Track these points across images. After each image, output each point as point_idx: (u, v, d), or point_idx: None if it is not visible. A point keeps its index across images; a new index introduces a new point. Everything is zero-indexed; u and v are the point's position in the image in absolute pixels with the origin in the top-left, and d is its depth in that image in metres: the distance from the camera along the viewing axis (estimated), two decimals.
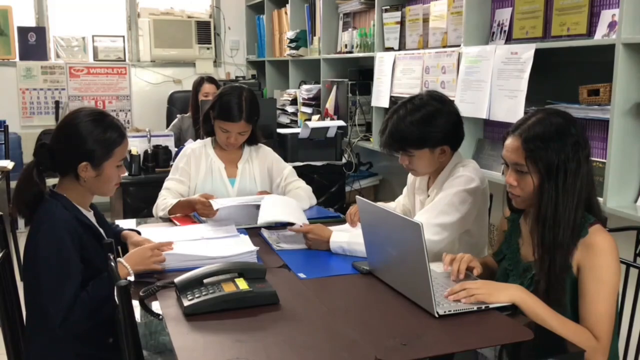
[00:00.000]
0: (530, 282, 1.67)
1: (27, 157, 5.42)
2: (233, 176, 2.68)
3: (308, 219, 2.33)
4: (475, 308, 1.55)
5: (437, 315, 1.51)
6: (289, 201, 2.39)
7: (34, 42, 5.54)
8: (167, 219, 2.47)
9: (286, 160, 3.76)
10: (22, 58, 5.51)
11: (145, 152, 3.49)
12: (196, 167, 2.66)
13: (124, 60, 5.87)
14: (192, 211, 2.43)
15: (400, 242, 1.61)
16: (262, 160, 2.75)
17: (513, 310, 1.56)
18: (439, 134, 2.04)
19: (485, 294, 1.57)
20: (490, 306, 1.56)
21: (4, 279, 1.80)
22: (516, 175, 1.66)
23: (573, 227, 1.59)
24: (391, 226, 1.63)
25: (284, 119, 5.07)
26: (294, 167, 3.70)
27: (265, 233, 2.23)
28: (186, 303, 1.54)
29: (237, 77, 6.07)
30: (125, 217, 3.34)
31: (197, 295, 1.56)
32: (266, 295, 1.60)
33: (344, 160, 3.93)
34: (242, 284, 1.61)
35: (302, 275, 1.83)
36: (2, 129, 4.53)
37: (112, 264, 1.47)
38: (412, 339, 1.41)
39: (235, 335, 1.44)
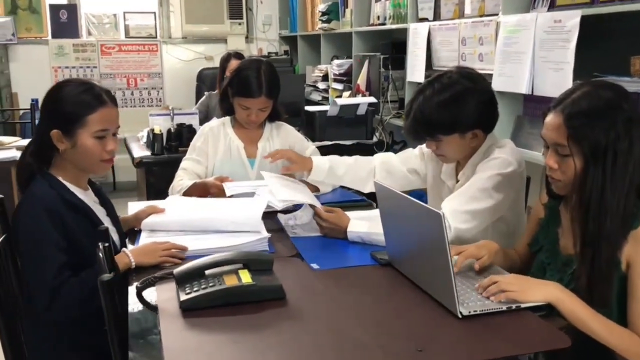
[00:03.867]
0: (570, 278, 1.48)
1: None
2: (253, 156, 2.54)
3: (330, 203, 2.18)
4: (504, 308, 1.37)
5: (460, 316, 1.34)
6: (298, 185, 2.22)
7: (65, 20, 5.49)
8: None
9: (314, 139, 3.63)
10: (54, 36, 5.48)
11: (169, 130, 3.38)
12: (214, 146, 2.52)
13: (155, 37, 5.77)
14: (207, 194, 2.30)
15: (420, 232, 1.44)
16: (283, 138, 2.59)
17: (549, 311, 1.37)
18: (469, 117, 1.84)
19: (518, 291, 1.39)
20: (523, 306, 1.38)
21: (4, 263, 1.70)
22: (557, 157, 1.46)
23: (623, 217, 1.38)
24: (411, 214, 1.46)
25: (315, 96, 4.90)
26: (322, 147, 3.57)
27: (282, 218, 2.07)
28: (182, 297, 1.41)
29: (269, 53, 5.91)
30: (149, 197, 3.25)
31: (195, 289, 1.43)
32: (271, 290, 1.45)
33: (375, 139, 3.74)
34: (246, 277, 1.46)
35: (314, 266, 1.67)
36: (33, 108, 4.50)
37: (101, 254, 1.35)
38: (430, 343, 1.24)
39: (233, 334, 1.31)
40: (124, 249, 1.70)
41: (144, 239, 1.87)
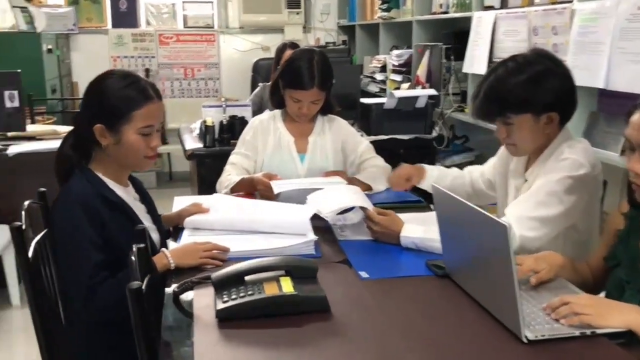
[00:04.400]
0: None
1: None
2: (303, 151, 2.42)
3: (383, 204, 2.04)
4: (577, 333, 1.21)
5: (525, 340, 1.18)
6: (349, 187, 2.08)
7: (125, 10, 5.53)
8: None
9: (369, 133, 3.49)
10: (114, 26, 5.53)
11: (221, 122, 3.31)
12: (263, 140, 2.42)
13: (213, 27, 5.74)
14: (254, 191, 2.20)
15: (482, 244, 1.28)
16: (335, 133, 2.46)
17: (629, 338, 1.20)
18: (546, 97, 1.66)
19: (593, 314, 1.22)
20: (598, 331, 1.21)
21: (41, 261, 1.64)
22: None
23: None
24: (472, 223, 1.31)
25: (372, 88, 4.74)
26: (377, 141, 3.42)
27: (330, 219, 1.94)
28: (219, 305, 1.31)
29: (327, 43, 5.78)
30: (200, 189, 3.20)
31: (233, 297, 1.32)
32: (314, 301, 1.33)
33: (434, 134, 3.56)
34: (287, 285, 1.35)
35: (363, 274, 1.54)
36: None
37: (133, 257, 1.26)
38: None
39: (270, 350, 1.20)
40: (163, 249, 1.62)
41: (186, 237, 1.79)
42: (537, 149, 1.77)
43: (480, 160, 3.91)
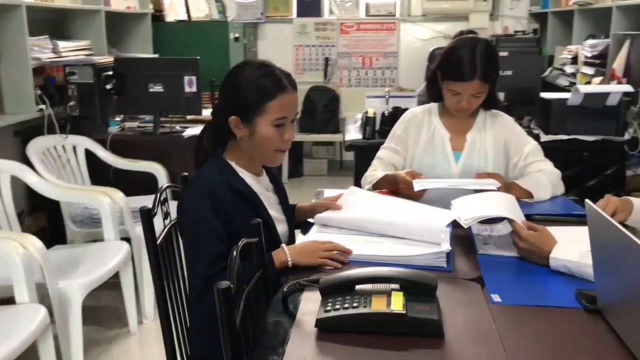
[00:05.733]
0: None
1: None
2: (459, 149, 2.21)
3: (545, 215, 1.79)
4: None
5: None
6: (501, 194, 1.83)
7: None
8: None
9: (547, 132, 3.13)
10: (298, 15, 5.67)
11: (383, 114, 3.19)
12: (415, 135, 2.25)
13: (395, 16, 5.63)
14: (397, 188, 2.06)
15: (632, 281, 1.02)
16: (498, 131, 2.21)
17: None
18: None
19: None
20: None
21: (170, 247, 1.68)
22: None
23: None
24: (626, 254, 1.04)
25: (562, 81, 4.28)
26: (556, 142, 3.07)
27: (475, 227, 1.74)
28: (320, 314, 1.21)
29: (515, 31, 5.37)
30: (356, 181, 3.13)
31: (336, 306, 1.21)
32: (423, 323, 1.17)
33: (626, 136, 3.09)
34: (397, 302, 1.20)
35: (496, 297, 1.33)
36: None
37: (235, 252, 1.20)
38: None
39: None
40: (282, 245, 1.56)
41: (313, 233, 1.71)
42: None
43: None
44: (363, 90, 5.55)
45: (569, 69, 4.14)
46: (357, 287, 1.27)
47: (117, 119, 3.55)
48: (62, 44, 3.36)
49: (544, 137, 3.08)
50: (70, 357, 2.31)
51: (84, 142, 3.22)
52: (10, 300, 2.15)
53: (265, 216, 1.61)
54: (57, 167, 3.10)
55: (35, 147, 2.99)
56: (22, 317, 2.05)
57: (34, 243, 2.18)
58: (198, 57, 3.37)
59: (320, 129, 5.41)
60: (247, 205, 1.59)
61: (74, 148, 3.21)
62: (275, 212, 1.69)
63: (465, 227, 1.61)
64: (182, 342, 1.65)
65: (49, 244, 3.01)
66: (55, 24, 3.67)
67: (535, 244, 1.50)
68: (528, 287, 1.40)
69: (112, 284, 2.75)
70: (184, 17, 5.00)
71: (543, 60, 3.72)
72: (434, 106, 2.29)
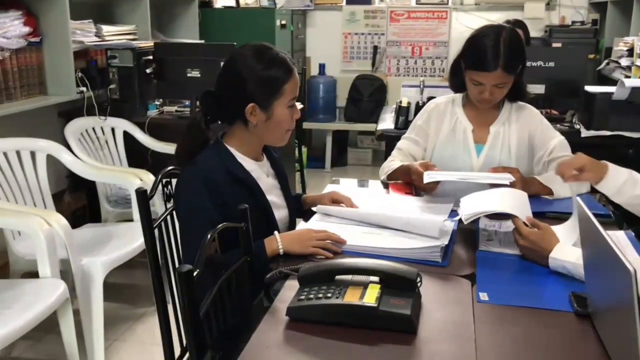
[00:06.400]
0: None
1: (341, 100, 5.59)
2: (482, 142, 2.13)
3: (562, 213, 1.70)
4: None
5: None
6: (512, 191, 1.74)
7: None
8: (386, 185, 2.10)
9: (589, 127, 2.99)
10: (348, 2, 5.61)
11: (417, 104, 3.12)
12: (437, 126, 2.19)
13: (447, 4, 5.49)
14: (410, 180, 2.01)
15: (609, 287, 0.95)
16: (523, 124, 2.12)
17: None
18: None
19: None
20: None
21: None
22: None
23: None
24: (603, 260, 0.98)
25: (617, 75, 4.06)
26: (598, 137, 2.93)
27: (483, 222, 1.67)
28: (292, 303, 1.19)
29: (572, 22, 5.13)
30: None
31: (310, 296, 1.19)
32: (395, 318, 1.13)
33: None
34: (371, 295, 1.17)
35: (483, 295, 1.28)
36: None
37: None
38: None
39: None
40: (275, 233, 1.54)
41: (313, 221, 1.70)
42: None
43: None
44: (411, 80, 5.49)
45: (624, 62, 3.92)
46: (338, 277, 1.25)
47: (157, 102, 3.62)
48: (106, 28, 3.45)
49: (585, 133, 2.93)
50: (92, 333, 2.38)
51: (122, 125, 3.31)
52: (36, 275, 2.24)
53: (263, 202, 1.60)
54: (94, 148, 3.19)
55: (74, 127, 3.09)
56: (43, 291, 2.12)
57: (59, 220, 2.26)
58: (235, 43, 3.39)
59: (365, 118, 5.36)
60: (244, 190, 1.58)
61: (113, 130, 3.30)
62: (275, 197, 1.68)
63: (465, 222, 1.55)
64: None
65: (86, 222, 3.13)
66: (102, 9, 3.77)
67: (535, 242, 1.43)
68: (521, 287, 1.33)
69: (145, 263, 2.83)
70: (232, 3, 5.04)
71: (586, 51, 3.50)
72: (457, 97, 2.22)
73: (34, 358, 2.54)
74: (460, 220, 1.63)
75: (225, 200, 1.53)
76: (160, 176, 1.63)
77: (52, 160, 2.79)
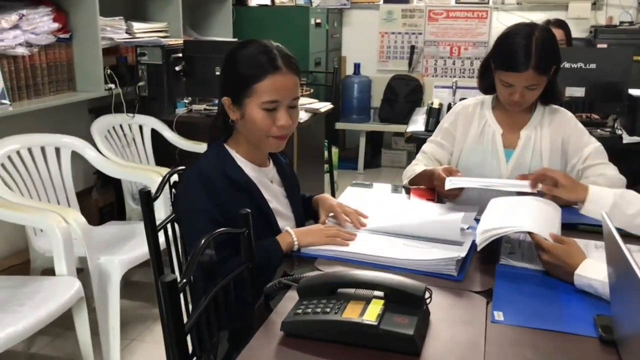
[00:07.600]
0: None
1: (376, 101, 5.49)
2: (511, 146, 2.02)
3: (592, 226, 1.58)
4: None
5: None
6: (542, 202, 1.62)
7: None
8: (407, 190, 2.01)
9: (633, 132, 2.83)
10: (385, 1, 5.51)
11: (449, 105, 3.01)
12: (464, 129, 2.08)
13: (487, 3, 5.32)
14: (433, 185, 1.91)
15: (636, 312, 0.84)
16: (556, 128, 1.99)
17: None
18: None
19: None
20: None
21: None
22: None
23: None
24: (628, 282, 0.87)
25: None
26: (638, 144, 2.76)
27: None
28: (288, 317, 1.12)
29: (620, 22, 4.90)
30: None
31: (308, 310, 1.11)
32: (396, 338, 1.04)
33: None
34: (373, 311, 1.08)
35: (498, 315, 1.18)
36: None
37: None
38: None
39: None
40: (287, 227, 1.48)
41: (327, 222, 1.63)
42: None
43: None
44: (449, 81, 5.35)
45: None
46: (340, 290, 1.17)
47: (185, 100, 3.60)
48: (137, 25, 3.44)
49: (627, 139, 2.77)
50: (108, 331, 2.36)
51: (150, 122, 3.29)
52: (54, 272, 2.22)
53: (264, 208, 1.53)
54: (121, 145, 3.19)
55: (101, 124, 3.09)
56: (57, 289, 2.11)
57: (76, 218, 2.24)
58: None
59: (401, 120, 5.23)
60: (244, 195, 1.51)
61: (141, 128, 3.29)
62: (278, 205, 1.59)
63: (479, 249, 1.43)
64: None
65: (113, 219, 3.13)
66: (134, 7, 3.77)
67: (560, 257, 1.31)
68: (541, 307, 1.22)
69: (167, 262, 2.81)
70: (267, 2, 5.00)
71: (627, 53, 3.30)
72: (487, 98, 2.11)
73: (51, 354, 2.53)
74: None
75: (223, 203, 1.46)
76: (167, 175, 1.58)
77: (80, 157, 2.79)
